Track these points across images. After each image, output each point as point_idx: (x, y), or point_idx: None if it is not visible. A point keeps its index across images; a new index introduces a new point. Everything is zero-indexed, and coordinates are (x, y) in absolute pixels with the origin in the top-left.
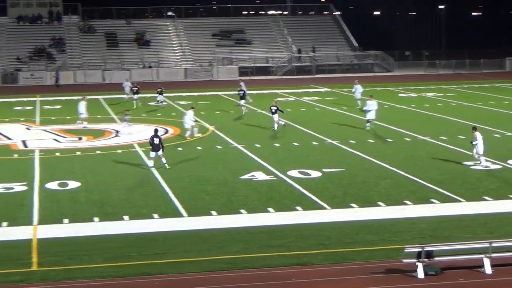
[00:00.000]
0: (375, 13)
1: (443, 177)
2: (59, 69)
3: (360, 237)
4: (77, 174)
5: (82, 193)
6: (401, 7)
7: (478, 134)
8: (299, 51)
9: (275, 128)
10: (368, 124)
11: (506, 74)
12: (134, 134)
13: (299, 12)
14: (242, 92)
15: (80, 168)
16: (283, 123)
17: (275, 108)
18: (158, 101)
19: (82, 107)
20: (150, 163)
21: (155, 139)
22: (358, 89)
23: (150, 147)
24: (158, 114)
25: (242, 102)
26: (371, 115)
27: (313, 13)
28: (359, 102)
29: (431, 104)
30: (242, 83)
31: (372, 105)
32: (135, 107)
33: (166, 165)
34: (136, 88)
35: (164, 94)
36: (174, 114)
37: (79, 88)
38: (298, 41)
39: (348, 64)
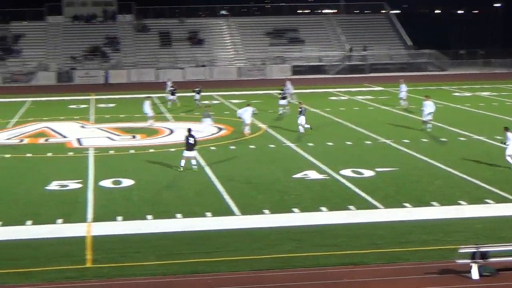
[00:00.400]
0: (429, 11)
1: (498, 177)
2: (112, 67)
3: (413, 237)
4: (131, 172)
5: (135, 191)
6: (456, 6)
7: (510, 134)
8: (351, 50)
9: (301, 130)
10: (428, 125)
11: None
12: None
13: (353, 11)
14: (283, 92)
15: (133, 166)
16: (309, 126)
17: (300, 110)
18: (196, 99)
19: (147, 106)
20: (182, 163)
21: (189, 138)
22: (403, 88)
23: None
24: (196, 113)
25: (283, 102)
26: (428, 116)
27: (366, 12)
28: (402, 101)
29: (486, 104)
30: (288, 82)
31: (428, 105)
32: (169, 107)
33: (195, 167)
34: (173, 88)
35: (218, 93)
36: (227, 112)
37: (132, 87)
38: (351, 40)
39: (402, 63)
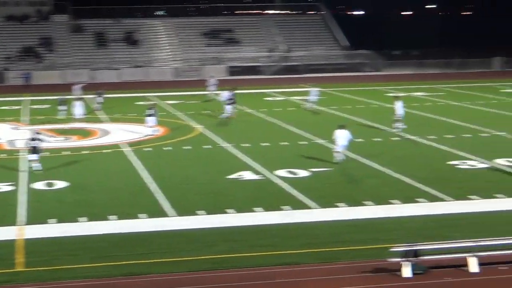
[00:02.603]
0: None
1: (431, 176)
2: (45, 68)
3: (348, 236)
4: (64, 174)
5: (69, 193)
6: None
7: (339, 132)
8: (288, 51)
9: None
10: (400, 125)
11: (494, 73)
12: None
13: (289, 12)
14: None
15: (67, 168)
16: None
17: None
18: (98, 102)
19: (80, 107)
20: (33, 165)
21: (34, 141)
22: (314, 92)
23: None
24: (132, 114)
25: (229, 107)
26: (398, 116)
27: (302, 12)
28: (308, 104)
29: (420, 104)
30: (212, 80)
31: (398, 105)
32: (95, 109)
33: (36, 169)
34: (101, 91)
35: (154, 94)
36: (163, 113)
37: (68, 88)
38: (287, 40)
39: (337, 64)
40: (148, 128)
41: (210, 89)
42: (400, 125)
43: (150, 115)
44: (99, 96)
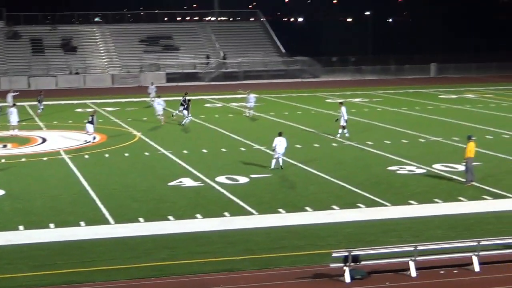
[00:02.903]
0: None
1: (370, 182)
2: None
3: (287, 242)
4: (1, 182)
5: (6, 201)
6: (328, 14)
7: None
8: (224, 57)
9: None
10: (345, 131)
11: (430, 79)
12: None
13: (227, 19)
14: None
15: (4, 176)
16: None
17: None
18: (40, 108)
19: (14, 115)
20: None
21: None
22: (251, 99)
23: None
24: (70, 122)
25: (185, 112)
26: (343, 121)
27: (240, 19)
28: (247, 111)
29: (358, 110)
30: (151, 87)
31: (343, 111)
32: (39, 113)
33: None
34: (41, 97)
35: (91, 101)
36: (101, 120)
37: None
38: (226, 47)
39: (276, 70)
40: (88, 136)
41: (150, 96)
42: (346, 130)
43: (89, 122)
44: (40, 102)
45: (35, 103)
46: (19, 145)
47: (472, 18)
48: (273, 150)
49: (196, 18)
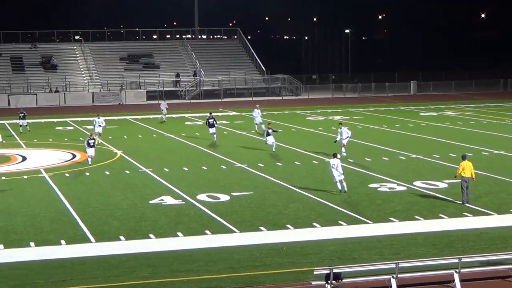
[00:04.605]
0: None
1: (351, 199)
2: None
3: (269, 260)
4: None
5: None
6: (308, 32)
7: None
8: (195, 74)
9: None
10: (343, 150)
11: (411, 97)
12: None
13: (207, 36)
14: (212, 119)
15: None
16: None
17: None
18: (20, 125)
19: None
20: None
21: None
22: (257, 113)
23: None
24: (50, 140)
25: (212, 130)
26: (344, 141)
27: (220, 37)
28: (258, 126)
29: (337, 127)
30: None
31: (344, 132)
32: (21, 131)
33: None
34: (23, 114)
35: (72, 119)
36: (81, 139)
37: None
38: (206, 65)
39: (256, 88)
40: (89, 158)
41: (163, 113)
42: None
43: (91, 146)
44: (22, 119)
45: (17, 121)
46: None
47: (451, 36)
48: (335, 170)
49: (177, 36)
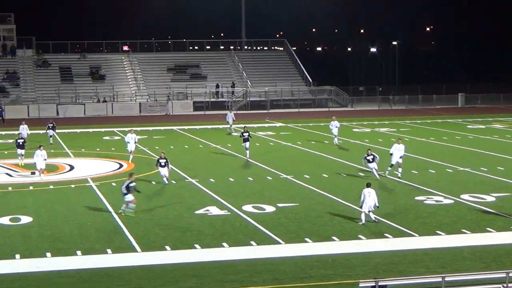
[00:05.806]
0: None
1: (397, 212)
2: (11, 103)
3: (314, 271)
4: (29, 209)
5: (34, 228)
6: (355, 43)
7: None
8: (233, 85)
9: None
10: (389, 169)
11: (458, 109)
12: None
13: (254, 48)
14: (247, 134)
15: (32, 203)
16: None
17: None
18: (50, 136)
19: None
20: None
21: None
22: (335, 125)
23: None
24: (98, 149)
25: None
26: (394, 159)
27: (267, 48)
28: (336, 139)
29: (385, 139)
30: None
31: (399, 148)
32: (51, 142)
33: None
34: (52, 124)
35: (119, 129)
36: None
37: (31, 122)
38: (252, 76)
39: (303, 99)
40: (164, 178)
41: (230, 123)
42: (400, 169)
43: (162, 166)
44: (51, 129)
45: (47, 131)
46: (47, 172)
47: (500, 48)
48: (362, 203)
49: (222, 47)
